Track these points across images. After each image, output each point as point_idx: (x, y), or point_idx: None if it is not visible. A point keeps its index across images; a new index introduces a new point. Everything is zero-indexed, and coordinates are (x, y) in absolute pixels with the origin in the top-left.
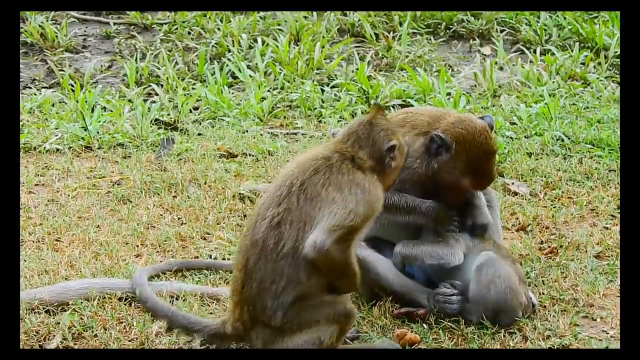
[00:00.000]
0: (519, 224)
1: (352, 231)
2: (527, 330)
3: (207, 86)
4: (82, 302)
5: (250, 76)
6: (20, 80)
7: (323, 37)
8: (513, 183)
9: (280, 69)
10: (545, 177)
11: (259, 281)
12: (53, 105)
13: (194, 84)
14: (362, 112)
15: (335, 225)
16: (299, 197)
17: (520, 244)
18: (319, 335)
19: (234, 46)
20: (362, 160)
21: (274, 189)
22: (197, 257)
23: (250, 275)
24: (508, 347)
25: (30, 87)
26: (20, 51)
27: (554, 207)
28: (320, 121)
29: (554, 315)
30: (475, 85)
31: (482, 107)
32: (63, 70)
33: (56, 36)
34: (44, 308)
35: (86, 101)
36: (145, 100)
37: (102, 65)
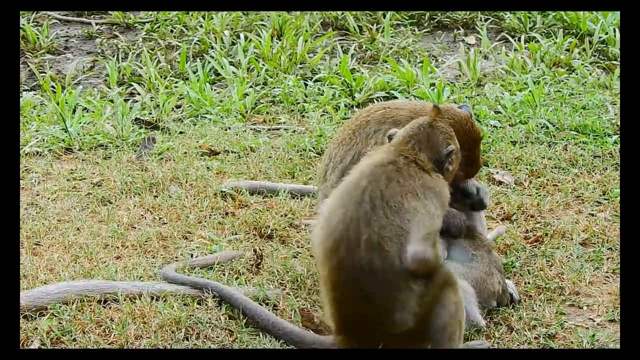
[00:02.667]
0: (504, 213)
1: (436, 233)
2: (512, 320)
3: (189, 84)
4: (60, 307)
5: (233, 72)
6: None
7: (306, 31)
8: (497, 172)
9: (263, 65)
10: (530, 165)
11: (381, 301)
12: (34, 107)
13: (176, 82)
14: (345, 106)
15: (427, 234)
16: (385, 211)
17: (505, 234)
18: (450, 332)
19: (216, 43)
20: (424, 163)
21: (353, 206)
22: (177, 258)
23: (368, 298)
24: (493, 338)
25: None
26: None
27: (539, 196)
28: (303, 116)
29: (539, 305)
30: (459, 75)
31: (466, 97)
32: (44, 73)
33: (37, 38)
34: (21, 314)
35: (66, 103)
36: (127, 100)
37: (84, 66)
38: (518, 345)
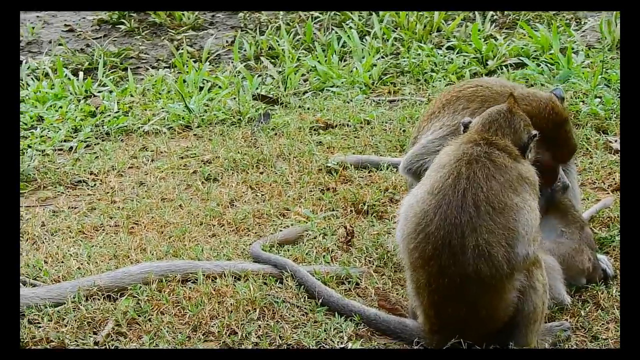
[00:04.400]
0: (615, 184)
1: (538, 226)
2: (601, 298)
3: (317, 57)
4: (140, 287)
5: (363, 43)
6: (145, 60)
7: None
8: (616, 141)
9: (398, 35)
10: None
11: (486, 304)
12: (165, 84)
13: (305, 55)
14: (473, 75)
15: (534, 233)
16: (490, 214)
17: (612, 205)
18: (536, 314)
19: (353, 13)
20: (511, 148)
21: (455, 211)
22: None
23: (473, 302)
24: (578, 317)
25: (155, 67)
26: (149, 31)
27: None
28: (429, 86)
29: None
30: (599, 39)
31: (600, 61)
32: (184, 48)
33: (183, 14)
34: (102, 294)
35: (195, 79)
36: (260, 75)
37: (226, 42)
38: (602, 324)
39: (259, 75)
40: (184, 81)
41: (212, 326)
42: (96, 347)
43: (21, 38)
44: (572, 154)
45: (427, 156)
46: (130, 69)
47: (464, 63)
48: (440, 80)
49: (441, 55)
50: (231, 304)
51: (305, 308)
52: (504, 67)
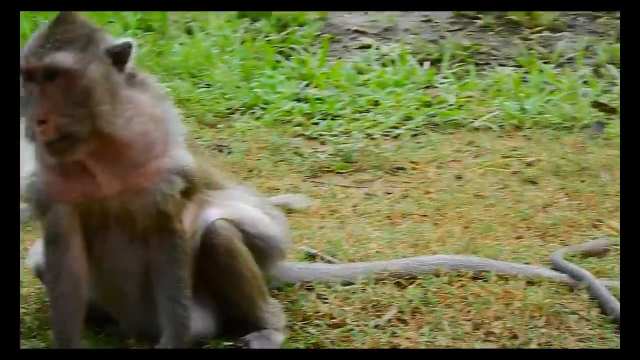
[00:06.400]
0: None
1: None
2: None
3: None
4: (430, 278)
5: None
6: (495, 57)
7: None
8: None
9: None
10: None
11: None
12: (507, 82)
13: None
14: None
15: None
16: None
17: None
18: None
19: None
20: None
21: None
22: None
23: None
24: None
25: (503, 65)
26: (504, 28)
27: None
28: None
29: None
30: None
31: None
32: (534, 49)
33: (541, 14)
34: (392, 280)
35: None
36: (606, 83)
37: (580, 46)
38: None
39: (606, 83)
40: (525, 81)
41: (494, 327)
42: (375, 329)
43: (378, 24)
44: None
45: None
46: (478, 64)
47: None
48: None
49: None
50: (517, 307)
51: (594, 322)
52: None
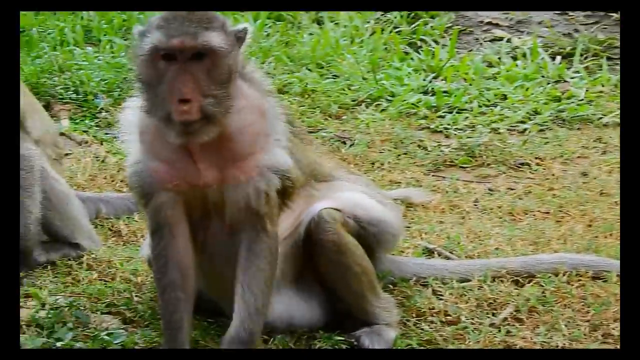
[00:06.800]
0: None
1: None
2: None
3: None
4: (549, 277)
5: None
6: None
7: None
8: None
9: None
10: None
11: None
12: None
13: None
14: None
15: None
16: None
17: None
18: None
19: None
20: None
21: None
22: None
23: None
24: None
25: None
26: None
27: None
28: None
29: None
30: None
31: None
32: None
33: None
34: (509, 278)
35: None
36: None
37: None
38: None
39: None
40: None
41: (613, 328)
42: (490, 327)
43: (511, 16)
44: None
45: None
46: (611, 58)
47: None
48: None
49: None
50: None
51: None
52: None
